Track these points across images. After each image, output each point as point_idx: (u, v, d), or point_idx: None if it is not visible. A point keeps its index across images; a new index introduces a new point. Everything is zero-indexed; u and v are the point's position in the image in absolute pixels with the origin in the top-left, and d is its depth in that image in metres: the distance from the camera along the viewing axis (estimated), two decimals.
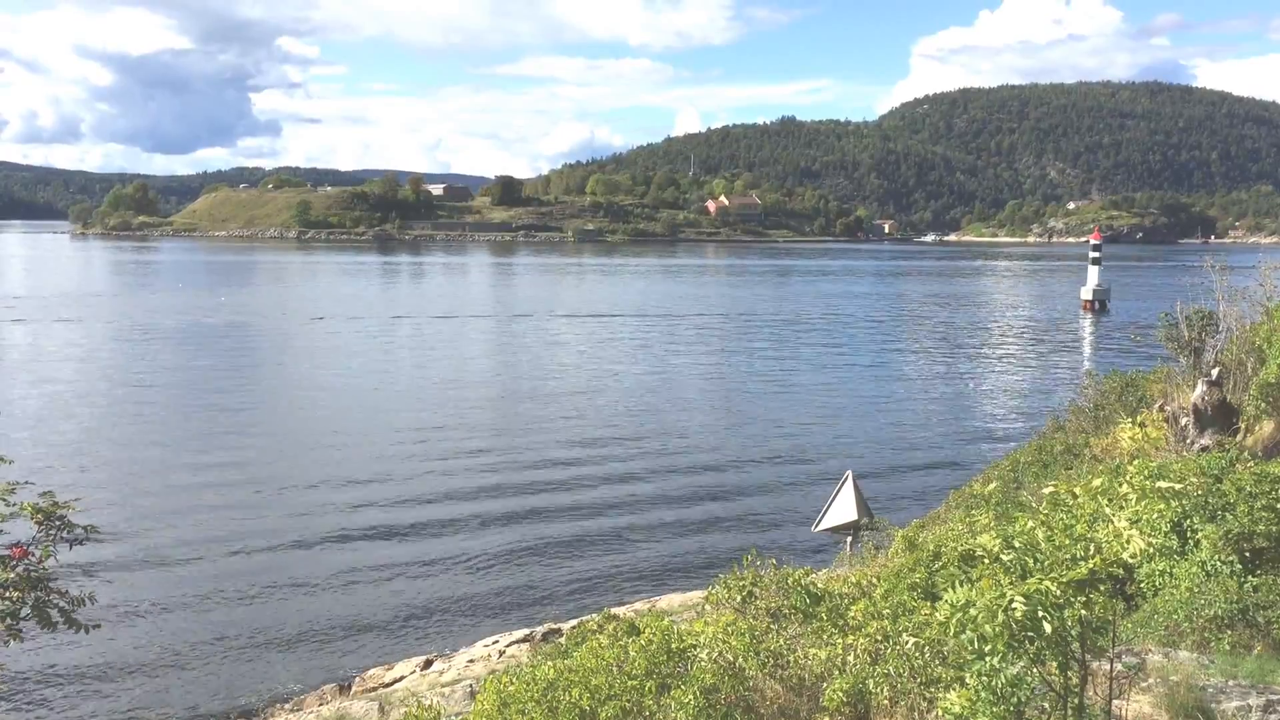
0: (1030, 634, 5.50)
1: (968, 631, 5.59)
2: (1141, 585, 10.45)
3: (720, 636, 9.39)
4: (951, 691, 5.81)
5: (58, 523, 7.81)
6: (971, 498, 21.16)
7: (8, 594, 7.51)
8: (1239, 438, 16.49)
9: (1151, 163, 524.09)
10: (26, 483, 8.01)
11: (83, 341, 67.58)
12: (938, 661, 7.63)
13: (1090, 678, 5.97)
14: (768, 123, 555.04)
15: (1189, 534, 10.49)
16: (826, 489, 24.04)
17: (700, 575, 24.40)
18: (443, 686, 17.04)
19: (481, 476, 34.55)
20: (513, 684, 9.53)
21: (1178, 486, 11.04)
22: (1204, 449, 15.75)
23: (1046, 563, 6.06)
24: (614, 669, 9.06)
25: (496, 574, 25.79)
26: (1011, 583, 5.77)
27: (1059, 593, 5.58)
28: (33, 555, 7.62)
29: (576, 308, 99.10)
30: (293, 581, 25.00)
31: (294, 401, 48.24)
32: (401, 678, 19.16)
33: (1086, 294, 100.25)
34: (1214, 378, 17.13)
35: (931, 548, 11.71)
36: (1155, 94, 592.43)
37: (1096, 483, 12.43)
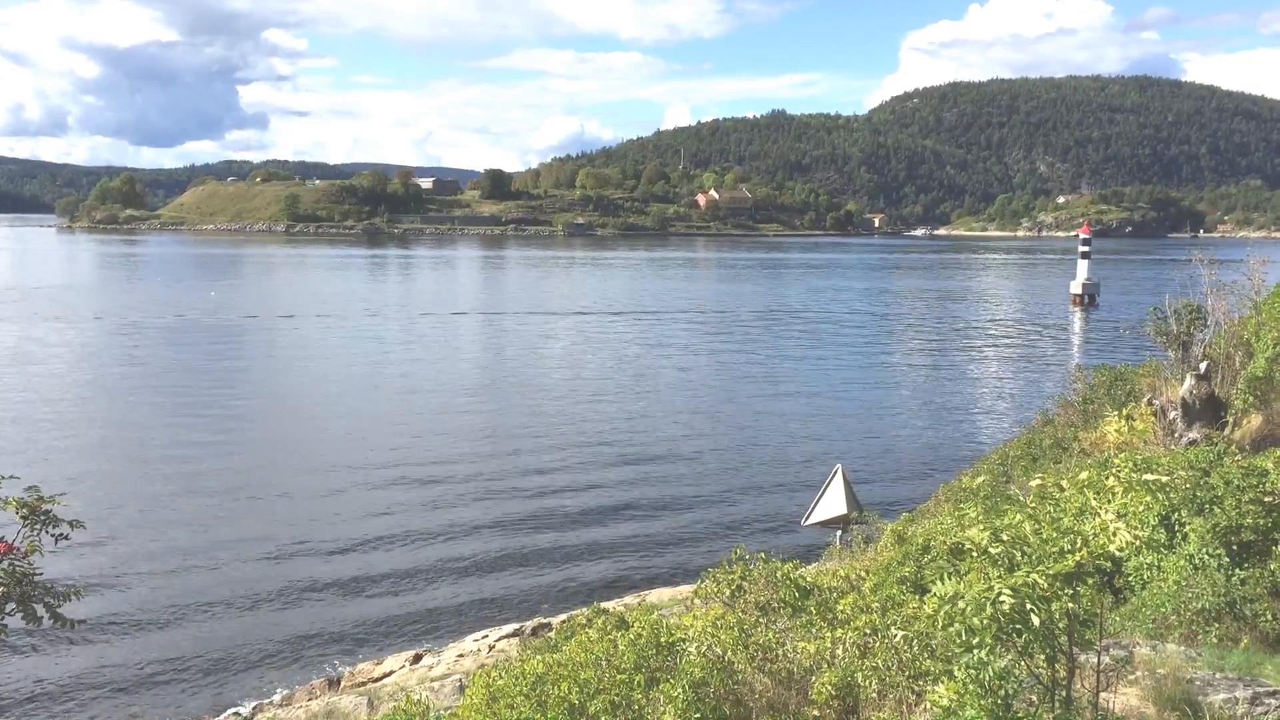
0: (1018, 627, 5.51)
1: (956, 624, 5.59)
2: (1129, 578, 10.49)
3: (709, 630, 9.39)
4: (940, 684, 5.81)
5: (43, 517, 7.74)
6: (960, 491, 21.22)
7: None
8: (1227, 431, 16.55)
9: (1141, 157, 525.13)
10: (11, 476, 7.94)
11: (64, 338, 67.28)
12: (926, 654, 7.64)
13: (1078, 670, 5.98)
14: (757, 116, 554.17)
15: (1177, 527, 10.52)
16: (816, 483, 24.08)
17: (689, 569, 24.40)
18: (432, 681, 17.01)
19: (470, 472, 34.49)
20: (502, 678, 9.52)
21: (1165, 479, 11.07)
22: (1192, 442, 15.80)
23: (1034, 556, 6.06)
24: (603, 663, 9.05)
25: (486, 569, 25.77)
26: (999, 576, 5.78)
27: (1046, 585, 5.58)
28: (18, 550, 7.56)
29: (564, 304, 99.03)
30: (282, 577, 24.93)
31: (280, 399, 48.13)
32: (391, 672, 19.14)
33: (1076, 288, 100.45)
34: (1202, 371, 17.18)
35: (920, 541, 11.73)
36: (1145, 88, 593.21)
37: (1084, 476, 12.47)
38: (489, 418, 43.52)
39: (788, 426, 42.54)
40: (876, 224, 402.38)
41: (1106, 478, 12.07)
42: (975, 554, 6.42)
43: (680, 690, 8.08)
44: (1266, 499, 9.72)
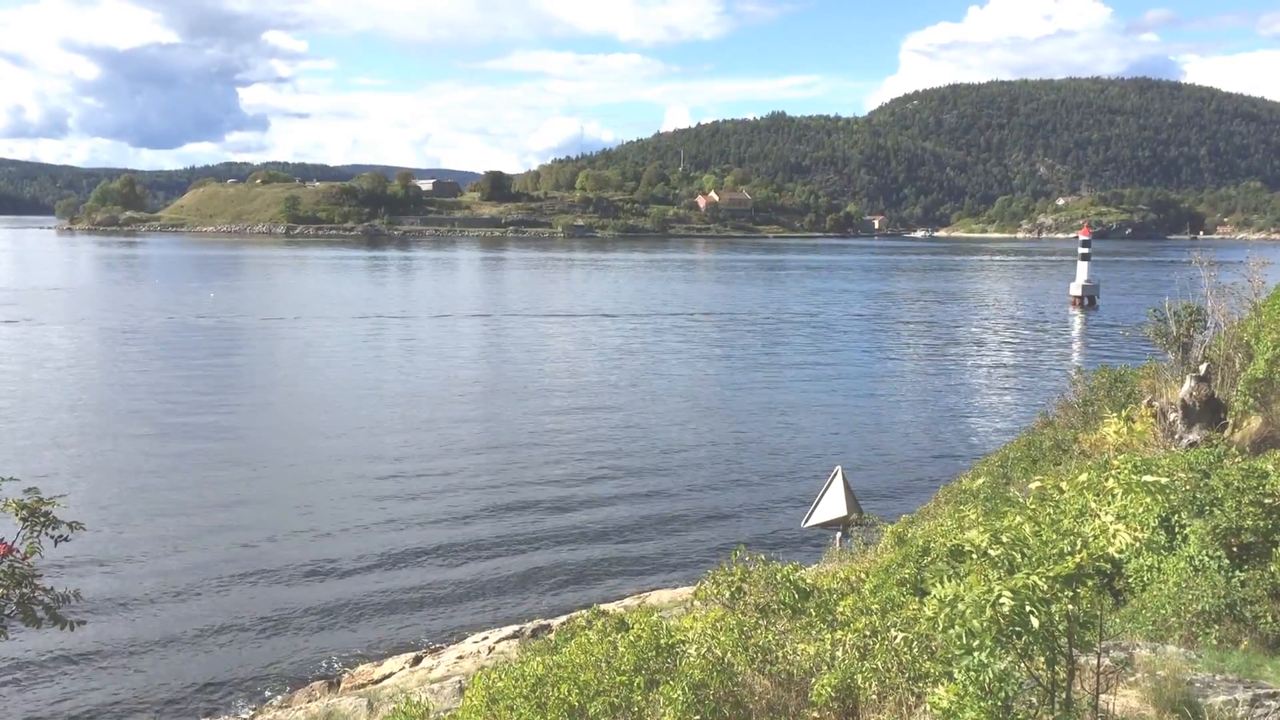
0: (1018, 629, 5.50)
1: (956, 626, 5.59)
2: (1129, 580, 10.48)
3: (709, 632, 9.38)
4: (939, 686, 5.80)
5: (42, 519, 7.74)
6: (960, 493, 21.23)
7: None
8: (1227, 433, 16.55)
9: (1140, 159, 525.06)
10: (11, 478, 7.94)
11: (63, 340, 67.28)
12: (926, 656, 7.63)
13: (1077, 672, 5.98)
14: (757, 118, 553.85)
15: (1177, 529, 10.51)
16: (816, 484, 24.09)
17: (689, 571, 24.41)
18: (432, 683, 17.01)
19: (470, 474, 34.48)
20: (501, 680, 9.52)
21: (1164, 481, 11.07)
22: (1192, 444, 15.80)
23: (1034, 558, 6.06)
24: (603, 665, 9.05)
25: (486, 570, 25.75)
26: (999, 578, 5.77)
27: (1046, 587, 5.58)
28: (17, 552, 7.56)
29: (565, 306, 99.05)
30: (280, 578, 24.92)
31: (280, 402, 48.11)
32: (390, 674, 19.13)
33: (1075, 290, 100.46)
34: (1202, 373, 17.17)
35: (920, 543, 11.73)
36: (1144, 90, 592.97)
37: (1083, 478, 12.46)
38: (489, 420, 43.50)
39: (787, 428, 42.52)
40: (876, 226, 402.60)
41: (1106, 479, 12.07)
42: (975, 556, 6.42)
43: (680, 692, 8.08)
44: (1266, 501, 9.72)
